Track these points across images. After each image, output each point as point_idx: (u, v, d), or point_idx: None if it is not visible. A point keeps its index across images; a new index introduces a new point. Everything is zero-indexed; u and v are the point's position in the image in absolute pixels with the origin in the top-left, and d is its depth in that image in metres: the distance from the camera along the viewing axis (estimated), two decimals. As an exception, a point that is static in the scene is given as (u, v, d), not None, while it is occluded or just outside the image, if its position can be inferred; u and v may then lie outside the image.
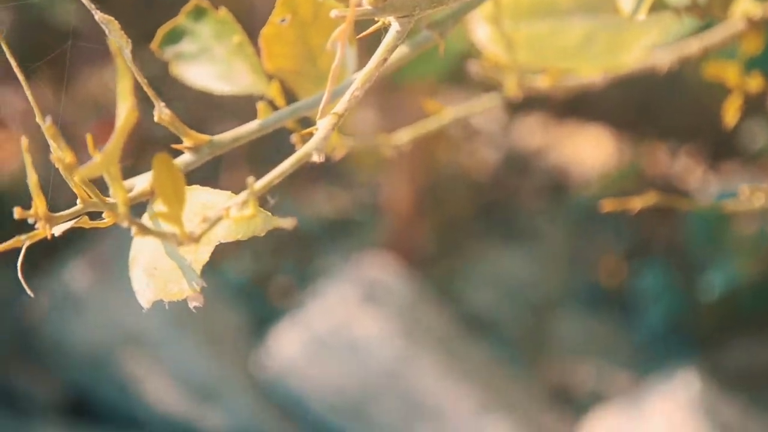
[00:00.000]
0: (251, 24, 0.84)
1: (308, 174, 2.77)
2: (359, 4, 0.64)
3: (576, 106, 2.83)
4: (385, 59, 0.68)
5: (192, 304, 0.64)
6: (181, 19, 0.80)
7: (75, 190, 0.63)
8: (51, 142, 0.61)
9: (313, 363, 2.20)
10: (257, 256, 2.59)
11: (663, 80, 2.56)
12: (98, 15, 0.63)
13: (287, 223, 0.57)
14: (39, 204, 0.61)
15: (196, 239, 0.57)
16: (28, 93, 0.64)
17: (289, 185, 2.74)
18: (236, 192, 0.63)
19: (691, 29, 0.92)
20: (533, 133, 3.03)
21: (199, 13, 0.81)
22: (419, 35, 0.77)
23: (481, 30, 0.89)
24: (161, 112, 0.68)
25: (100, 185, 0.65)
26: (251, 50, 0.80)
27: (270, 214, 0.61)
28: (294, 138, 0.77)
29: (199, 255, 0.64)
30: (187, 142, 0.70)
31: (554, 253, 2.65)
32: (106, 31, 0.64)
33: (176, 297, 0.64)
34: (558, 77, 0.97)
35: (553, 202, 2.80)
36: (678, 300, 2.42)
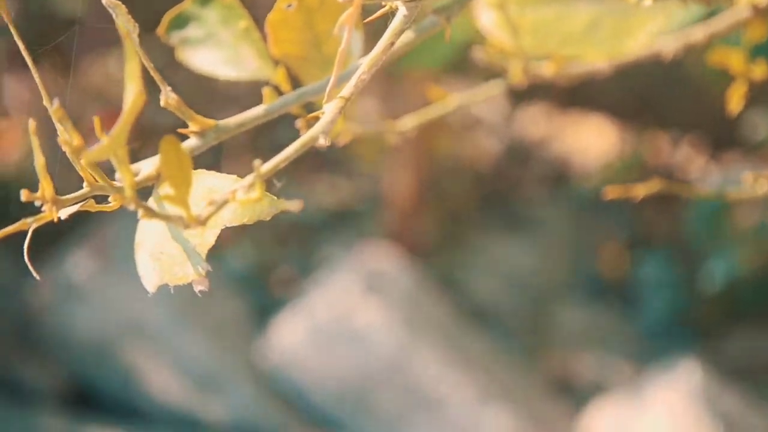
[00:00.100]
0: (257, 9, 0.84)
1: (310, 164, 2.77)
2: (367, -12, 0.64)
3: (578, 96, 2.82)
4: (392, 43, 0.68)
5: (197, 288, 0.64)
6: (187, 5, 0.80)
7: (81, 173, 0.63)
8: (58, 125, 0.61)
9: (314, 353, 2.20)
10: (259, 246, 2.59)
11: (665, 71, 2.56)
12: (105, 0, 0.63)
13: (294, 205, 0.57)
14: (46, 186, 0.61)
15: (202, 222, 0.57)
16: (35, 75, 0.64)
17: (292, 175, 2.74)
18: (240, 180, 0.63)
19: (697, 16, 0.91)
20: (535, 124, 3.03)
21: (205, -1, 0.81)
22: (425, 20, 0.77)
23: (486, 16, 0.89)
24: (168, 97, 0.68)
25: (104, 171, 0.65)
26: (257, 35, 0.80)
27: (276, 197, 0.61)
28: (299, 123, 0.77)
29: (205, 239, 0.64)
30: (192, 127, 0.70)
31: (556, 243, 2.65)
32: (114, 15, 0.64)
33: (181, 281, 0.64)
34: (563, 64, 0.96)
35: (555, 192, 2.80)
36: (679, 291, 2.42)
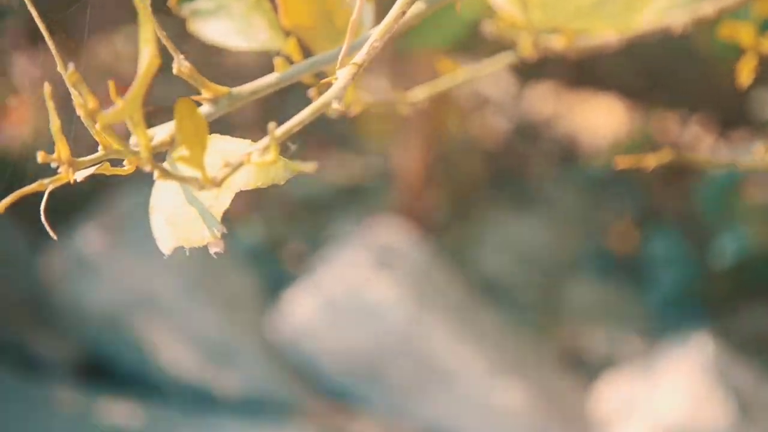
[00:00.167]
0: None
1: (321, 142, 2.78)
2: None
3: (587, 75, 2.82)
4: (404, 12, 0.68)
5: (213, 250, 0.64)
6: (199, -24, 0.80)
7: (96, 137, 0.64)
8: (73, 90, 0.62)
9: (326, 326, 2.21)
10: (270, 222, 2.60)
11: (674, 49, 2.56)
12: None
13: (308, 167, 0.58)
14: (62, 148, 0.62)
15: (217, 183, 0.57)
16: (49, 42, 0.65)
17: (302, 153, 2.74)
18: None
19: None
20: (544, 103, 3.03)
21: (217, -30, 0.81)
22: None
23: (496, -12, 0.89)
24: (180, 65, 0.69)
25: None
26: (268, 6, 0.80)
27: (290, 160, 0.62)
28: (311, 92, 0.78)
29: (220, 202, 0.64)
30: (206, 94, 0.71)
31: (566, 219, 2.66)
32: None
33: (196, 244, 0.65)
34: (573, 37, 0.97)
35: (564, 169, 2.81)
36: (689, 267, 2.42)
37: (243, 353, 2.26)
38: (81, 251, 2.35)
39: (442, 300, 2.25)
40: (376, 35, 0.67)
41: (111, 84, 0.61)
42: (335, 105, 0.62)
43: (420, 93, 0.96)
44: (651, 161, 0.93)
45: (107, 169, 0.64)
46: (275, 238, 2.57)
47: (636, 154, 2.69)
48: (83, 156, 0.65)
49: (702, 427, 2.00)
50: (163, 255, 0.68)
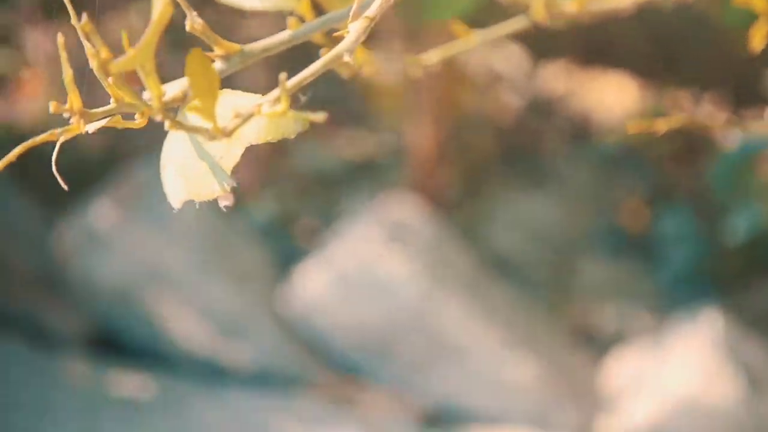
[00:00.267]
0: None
1: (334, 119, 2.78)
2: None
3: (599, 53, 2.82)
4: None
5: (222, 204, 0.64)
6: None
7: (108, 90, 0.64)
8: (85, 41, 0.62)
9: (337, 301, 2.21)
10: (282, 198, 2.60)
11: (687, 20, 2.55)
12: None
13: (318, 117, 0.58)
14: (74, 99, 0.62)
15: (228, 133, 0.57)
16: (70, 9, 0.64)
17: (314, 129, 2.74)
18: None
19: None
20: (557, 80, 3.03)
21: (230, -71, 0.81)
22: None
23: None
24: (193, 22, 0.69)
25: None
26: (282, -34, 0.80)
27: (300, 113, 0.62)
28: (323, 51, 0.78)
29: (230, 155, 0.64)
30: (218, 51, 0.71)
31: (577, 197, 2.66)
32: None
33: (207, 197, 0.65)
34: (585, 1, 0.97)
35: (576, 147, 2.80)
36: (701, 244, 2.42)
37: (254, 327, 2.27)
38: (93, 225, 2.35)
39: (454, 276, 2.25)
40: (387, -10, 0.67)
41: (123, 35, 0.61)
42: (346, 58, 0.62)
43: (433, 56, 0.96)
44: (662, 125, 0.93)
45: (119, 122, 0.64)
46: (287, 214, 2.57)
47: (648, 132, 2.68)
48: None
49: (712, 403, 2.00)
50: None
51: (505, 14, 1.02)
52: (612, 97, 2.95)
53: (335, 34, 0.66)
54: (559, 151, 2.80)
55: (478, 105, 2.88)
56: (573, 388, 2.15)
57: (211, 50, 0.71)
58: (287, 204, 2.59)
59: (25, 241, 2.44)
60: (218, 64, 0.72)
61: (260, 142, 0.66)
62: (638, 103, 2.89)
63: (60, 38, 0.60)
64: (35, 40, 2.63)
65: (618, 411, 2.09)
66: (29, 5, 2.57)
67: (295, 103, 0.62)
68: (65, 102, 0.63)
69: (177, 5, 0.61)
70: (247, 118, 0.59)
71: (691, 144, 2.66)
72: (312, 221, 2.54)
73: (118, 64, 0.56)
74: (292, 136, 0.66)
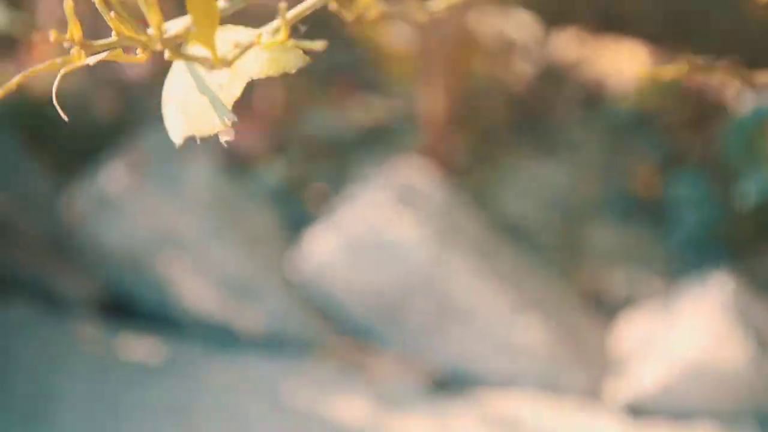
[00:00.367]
0: None
1: (345, 85, 2.77)
2: None
3: (612, 19, 2.80)
4: None
5: (223, 139, 0.65)
6: None
7: (110, 23, 0.64)
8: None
9: (347, 265, 2.21)
10: (292, 163, 2.60)
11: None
12: None
13: (318, 45, 0.58)
14: (74, 30, 0.62)
15: (228, 63, 0.57)
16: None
17: (326, 95, 2.74)
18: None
19: None
20: (569, 48, 3.02)
21: None
22: None
23: None
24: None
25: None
26: None
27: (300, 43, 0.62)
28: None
29: (231, 90, 0.64)
30: (221, -12, 0.71)
31: (589, 163, 2.65)
32: None
33: (208, 132, 0.65)
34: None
35: (588, 113, 2.80)
36: (713, 210, 2.41)
37: (264, 291, 2.27)
38: (104, 190, 2.36)
39: (464, 240, 2.25)
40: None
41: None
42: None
43: (440, 2, 0.95)
44: (668, 73, 0.93)
45: (120, 56, 0.64)
46: (298, 179, 2.57)
47: (661, 98, 2.67)
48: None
49: (721, 365, 2.00)
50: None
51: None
52: (624, 65, 2.94)
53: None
54: (571, 117, 2.79)
55: (490, 72, 2.88)
56: (582, 352, 2.15)
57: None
58: (298, 169, 2.59)
59: (35, 206, 2.44)
60: (221, 2, 0.72)
61: (261, 76, 0.66)
62: (651, 70, 2.88)
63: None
64: (46, 2, 2.63)
65: (627, 374, 2.09)
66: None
67: (294, 34, 0.62)
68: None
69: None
70: (246, 47, 0.59)
71: (704, 110, 2.65)
72: (322, 186, 2.53)
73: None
74: (293, 71, 0.66)
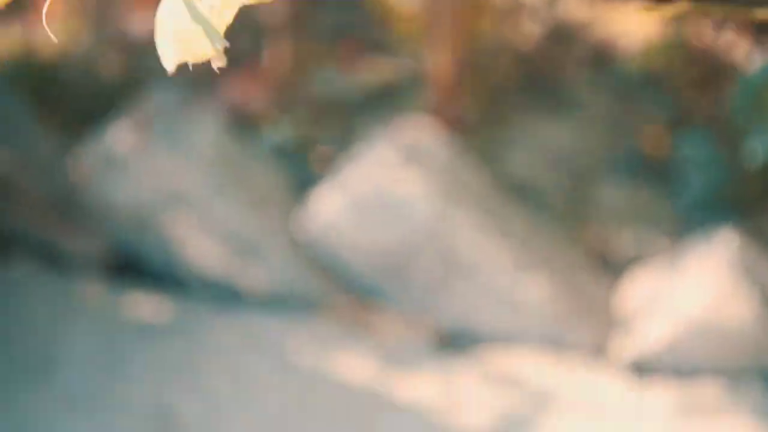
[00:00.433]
0: None
1: (353, 45, 2.77)
2: None
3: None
4: None
5: (215, 65, 0.65)
6: None
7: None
8: None
9: (353, 223, 2.21)
10: (298, 124, 2.60)
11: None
12: None
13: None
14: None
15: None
16: None
17: (333, 56, 2.74)
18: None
19: None
20: (578, 8, 3.00)
21: None
22: None
23: None
24: None
25: None
26: None
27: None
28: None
29: (223, 17, 0.65)
30: None
31: (597, 123, 2.65)
32: None
33: (200, 59, 0.65)
34: None
35: (596, 73, 2.79)
36: (721, 169, 2.41)
37: (269, 250, 2.27)
38: (110, 149, 2.36)
39: (470, 198, 2.25)
40: None
41: None
42: None
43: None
44: (668, 12, 0.92)
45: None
46: (304, 140, 2.57)
47: (669, 58, 2.66)
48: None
49: (726, 322, 2.00)
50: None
51: None
52: (633, 26, 2.93)
53: None
54: (579, 78, 2.79)
55: (498, 31, 2.87)
56: (587, 310, 2.15)
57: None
58: (304, 129, 2.59)
59: (41, 167, 2.44)
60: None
61: (252, 3, 0.66)
62: (659, 30, 2.87)
63: None
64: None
65: (632, 332, 2.09)
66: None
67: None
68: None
69: None
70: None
71: (712, 70, 2.64)
72: (328, 147, 2.53)
73: None
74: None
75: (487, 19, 2.83)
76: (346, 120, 2.64)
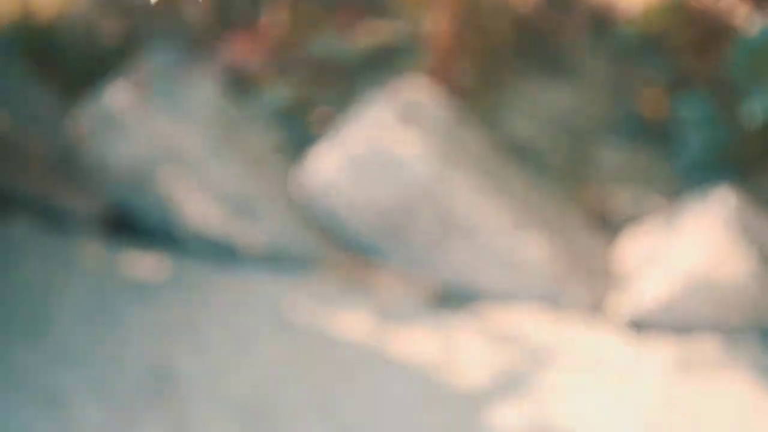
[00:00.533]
0: None
1: (351, 6, 2.76)
2: None
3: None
4: None
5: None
6: None
7: None
8: None
9: (350, 182, 2.21)
10: (296, 85, 2.59)
11: None
12: None
13: None
14: None
15: None
16: None
17: (331, 18, 2.73)
18: None
19: None
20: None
21: None
22: None
23: None
24: None
25: None
26: None
27: None
28: None
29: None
30: None
31: (596, 85, 2.64)
32: None
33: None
34: None
35: (595, 36, 2.78)
36: (719, 130, 2.40)
37: (267, 208, 2.27)
38: (108, 108, 2.36)
39: (468, 156, 2.24)
40: None
41: None
42: None
43: None
44: None
45: None
46: (302, 101, 2.56)
47: (669, 20, 2.64)
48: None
49: (723, 279, 2.00)
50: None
51: None
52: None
53: None
54: (579, 40, 2.78)
55: (497, -5, 2.85)
56: (586, 268, 2.15)
57: None
58: (302, 91, 2.58)
59: (40, 127, 2.44)
60: None
61: None
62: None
63: None
64: None
65: (630, 289, 2.08)
66: None
67: None
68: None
69: None
70: None
71: (712, 32, 2.63)
72: (327, 108, 2.52)
73: None
74: None
75: (486, -19, 2.82)
76: (345, 82, 2.63)
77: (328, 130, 2.39)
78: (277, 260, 2.24)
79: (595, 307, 2.10)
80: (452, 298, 2.16)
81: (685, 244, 2.07)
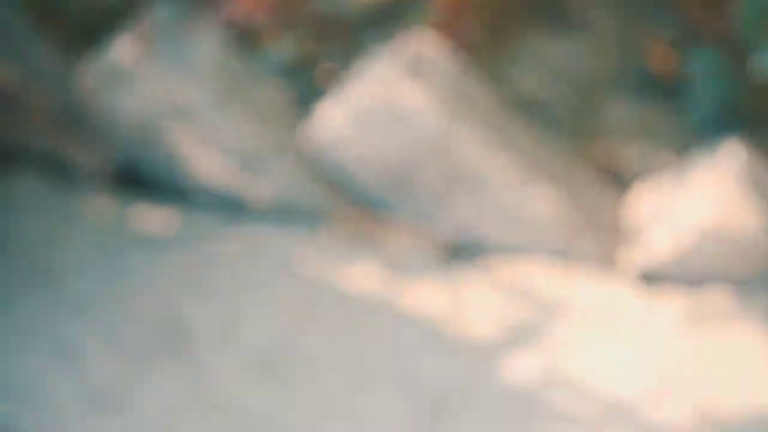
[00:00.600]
0: None
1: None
2: None
3: None
4: None
5: None
6: None
7: None
8: None
9: (357, 136, 2.20)
10: (302, 40, 2.58)
11: None
12: None
13: None
14: None
15: None
16: None
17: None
18: None
19: None
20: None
21: None
22: None
23: None
24: None
25: None
26: None
27: None
28: None
29: None
30: None
31: (604, 40, 2.63)
32: None
33: None
34: None
35: (603, -8, 2.77)
36: (729, 85, 2.40)
37: (275, 162, 2.27)
38: (115, 62, 2.35)
39: (475, 110, 2.24)
40: None
41: None
42: None
43: None
44: None
45: None
46: (308, 57, 2.56)
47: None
48: None
49: (733, 232, 2.00)
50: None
51: None
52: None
53: None
54: (586, -4, 2.77)
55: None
56: (595, 222, 2.15)
57: None
58: (308, 46, 2.57)
59: (46, 81, 2.43)
60: None
61: None
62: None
63: None
64: None
65: (640, 243, 2.08)
66: None
67: None
68: None
69: None
70: None
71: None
72: (332, 63, 2.52)
73: None
74: None
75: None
76: (351, 37, 2.62)
77: (334, 85, 2.38)
78: (285, 214, 2.24)
79: (606, 261, 2.10)
80: (461, 252, 2.16)
81: (696, 198, 2.06)
